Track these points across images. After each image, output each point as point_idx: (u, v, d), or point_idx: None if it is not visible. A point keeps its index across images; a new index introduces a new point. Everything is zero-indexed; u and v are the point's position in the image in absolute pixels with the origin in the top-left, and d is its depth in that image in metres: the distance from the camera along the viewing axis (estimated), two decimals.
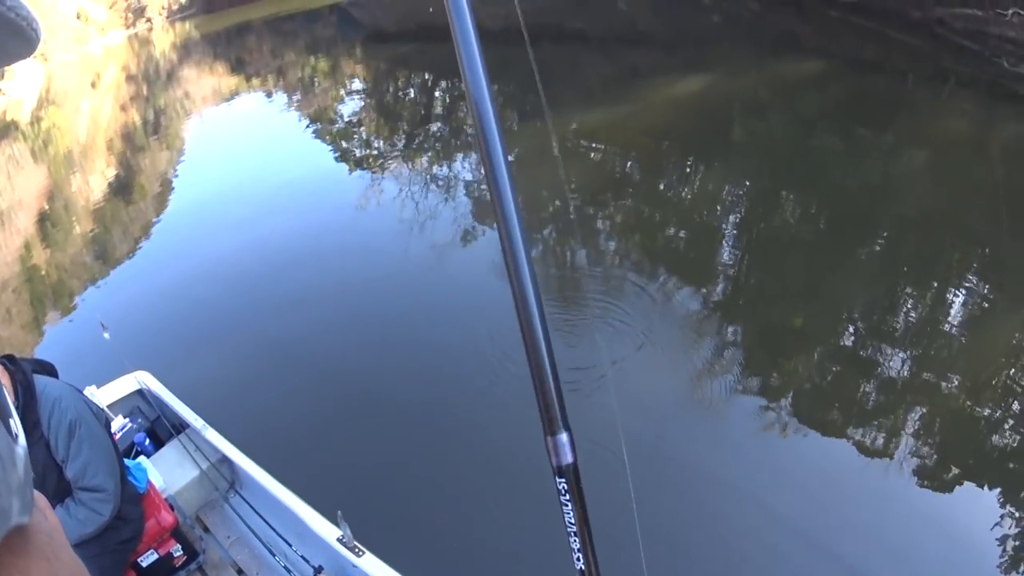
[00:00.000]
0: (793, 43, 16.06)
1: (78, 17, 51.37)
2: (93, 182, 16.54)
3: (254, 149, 14.59)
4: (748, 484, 4.82)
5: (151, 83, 30.28)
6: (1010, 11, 12.39)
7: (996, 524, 4.37)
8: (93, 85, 34.48)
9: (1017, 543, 4.29)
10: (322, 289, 7.45)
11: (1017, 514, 4.48)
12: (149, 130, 20.92)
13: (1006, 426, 5.21)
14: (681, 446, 5.29)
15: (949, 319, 6.56)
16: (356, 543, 3.15)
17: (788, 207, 9.22)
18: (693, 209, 9.65)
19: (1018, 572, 4.16)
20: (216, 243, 9.50)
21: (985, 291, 6.85)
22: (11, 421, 0.43)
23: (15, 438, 0.42)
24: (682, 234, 8.84)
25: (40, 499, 0.52)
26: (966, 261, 7.38)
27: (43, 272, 11.18)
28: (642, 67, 16.08)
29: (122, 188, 15.11)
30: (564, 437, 0.96)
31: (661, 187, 10.44)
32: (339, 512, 3.13)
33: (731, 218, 9.24)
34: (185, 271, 8.93)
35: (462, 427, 5.25)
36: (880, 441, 5.19)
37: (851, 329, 6.55)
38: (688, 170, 10.91)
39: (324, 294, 7.33)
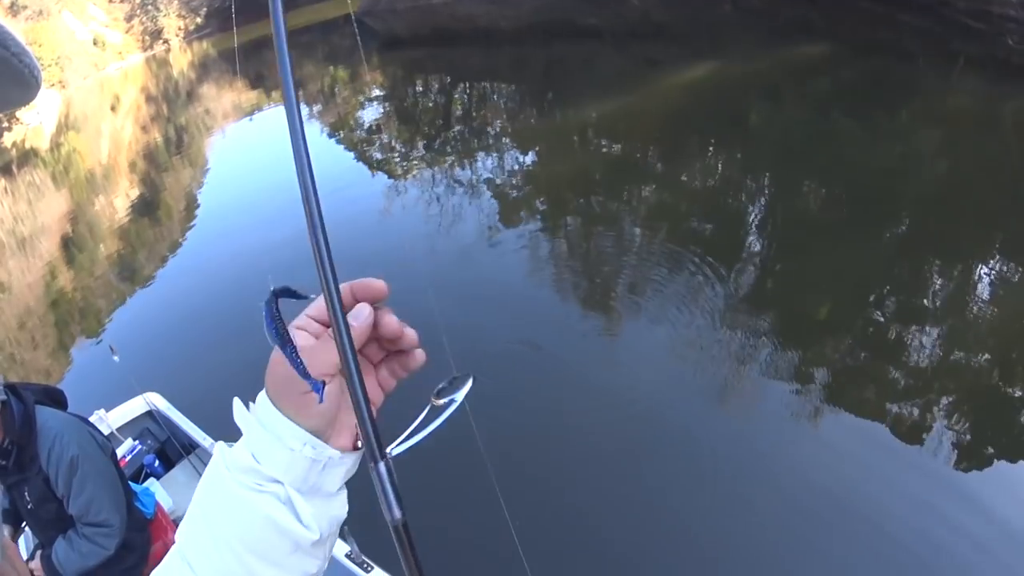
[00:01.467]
0: (804, 28, 16.00)
1: (95, 43, 52.00)
2: (117, 203, 16.57)
3: (276, 162, 14.51)
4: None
5: (171, 102, 30.50)
6: None
7: None
8: (113, 108, 34.80)
9: None
10: None
11: None
12: (172, 149, 20.98)
13: None
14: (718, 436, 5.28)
15: (974, 296, 6.47)
16: (364, 558, 3.17)
17: (805, 190, 9.10)
18: (711, 195, 9.59)
19: None
20: (230, 259, 9.40)
21: (1007, 267, 6.73)
22: None
23: None
24: (701, 220, 8.75)
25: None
26: (986, 236, 7.24)
27: (61, 296, 11.11)
28: (657, 58, 16.00)
29: (146, 207, 15.12)
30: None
31: (679, 174, 10.37)
32: (345, 527, 2.98)
33: (749, 202, 9.19)
34: (197, 289, 8.88)
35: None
36: (912, 420, 5.11)
37: (875, 310, 6.45)
38: (706, 157, 10.85)
39: None
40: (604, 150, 11.63)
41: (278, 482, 0.81)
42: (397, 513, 0.84)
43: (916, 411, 5.16)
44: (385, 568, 3.16)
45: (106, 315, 9.28)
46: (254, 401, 0.83)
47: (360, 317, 0.81)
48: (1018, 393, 5.27)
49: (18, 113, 31.85)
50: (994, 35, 12.62)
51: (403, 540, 0.84)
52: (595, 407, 5.77)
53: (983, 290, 6.50)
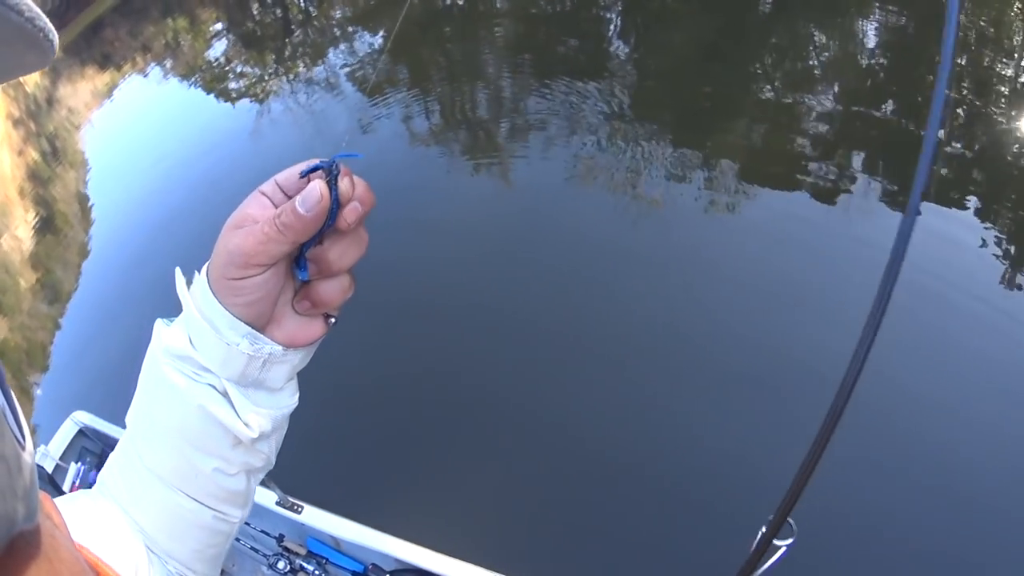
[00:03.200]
0: None
1: None
2: (20, 234, 16.09)
3: (148, 130, 14.12)
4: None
5: (36, 117, 29.09)
6: None
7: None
8: None
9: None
10: None
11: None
12: (50, 160, 20.18)
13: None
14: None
15: (859, 47, 6.38)
16: (292, 500, 3.18)
17: None
18: (563, 15, 9.34)
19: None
20: (129, 255, 9.18)
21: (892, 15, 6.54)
22: (19, 426, 0.42)
23: (22, 444, 0.42)
24: (561, 43, 8.58)
25: (45, 499, 0.53)
26: None
27: None
28: None
29: (45, 228, 14.70)
30: None
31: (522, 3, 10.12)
32: (266, 476, 3.05)
33: (602, 11, 8.98)
34: (104, 294, 8.77)
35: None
36: (826, 181, 5.21)
37: (758, 85, 6.37)
38: None
39: None
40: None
41: (214, 374, 0.76)
42: None
43: (827, 173, 5.26)
44: (315, 505, 3.22)
45: (27, 350, 9.14)
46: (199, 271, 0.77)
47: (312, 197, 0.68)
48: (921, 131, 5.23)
49: None
50: None
51: None
52: (516, 242, 5.86)
53: (867, 40, 6.42)
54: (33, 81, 41.43)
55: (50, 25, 0.45)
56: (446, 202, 6.51)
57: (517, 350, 4.92)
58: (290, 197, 0.71)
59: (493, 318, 5.15)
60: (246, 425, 0.77)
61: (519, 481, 4.26)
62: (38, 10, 0.43)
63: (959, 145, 5.20)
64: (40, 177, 18.87)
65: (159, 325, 0.80)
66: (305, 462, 4.38)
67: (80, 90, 25.90)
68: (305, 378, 0.84)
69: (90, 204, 13.67)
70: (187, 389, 0.75)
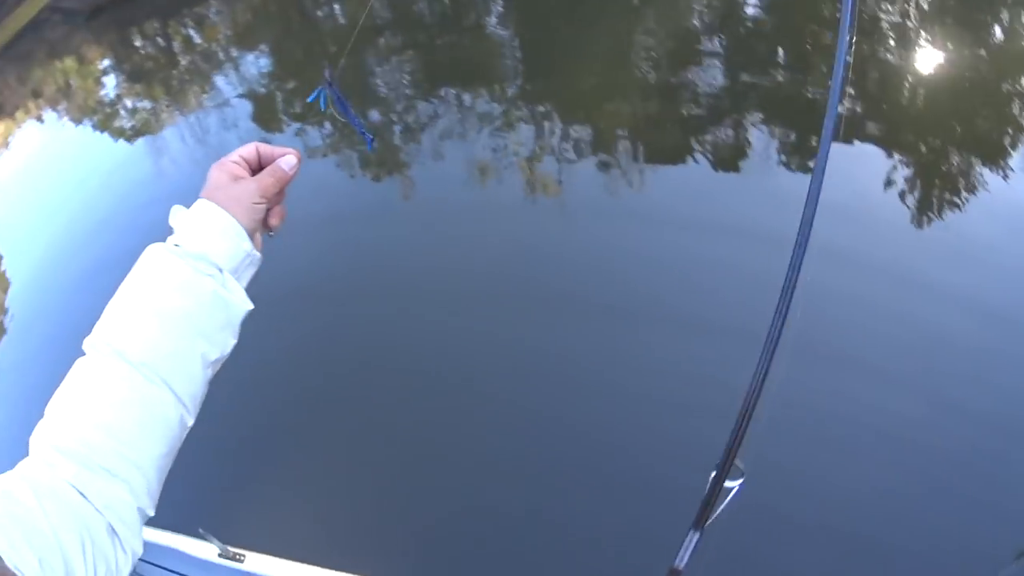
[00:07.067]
0: None
1: None
2: None
3: (50, 177, 13.71)
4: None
5: None
6: None
7: None
8: None
9: None
10: None
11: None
12: None
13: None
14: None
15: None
16: (232, 550, 3.06)
17: None
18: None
19: None
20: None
21: None
22: None
23: None
24: (435, 39, 8.66)
25: None
26: None
27: None
28: None
29: None
30: None
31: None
32: (199, 528, 3.04)
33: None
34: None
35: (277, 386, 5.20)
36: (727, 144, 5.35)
37: (644, 63, 6.48)
38: None
39: None
40: None
41: (219, 269, 1.06)
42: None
43: (727, 135, 5.43)
44: (257, 550, 3.12)
45: None
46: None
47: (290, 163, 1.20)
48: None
49: None
50: None
51: None
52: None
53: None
54: None
55: None
56: (344, 219, 6.57)
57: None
58: (259, 164, 1.21)
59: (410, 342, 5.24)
60: (243, 301, 1.10)
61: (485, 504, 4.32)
62: None
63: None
64: None
65: (155, 247, 1.08)
66: (239, 507, 4.43)
67: None
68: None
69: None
70: (197, 279, 1.03)
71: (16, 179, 16.60)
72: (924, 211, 4.69)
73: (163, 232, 1.11)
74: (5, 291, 11.02)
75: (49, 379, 1.01)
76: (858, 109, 5.24)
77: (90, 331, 1.05)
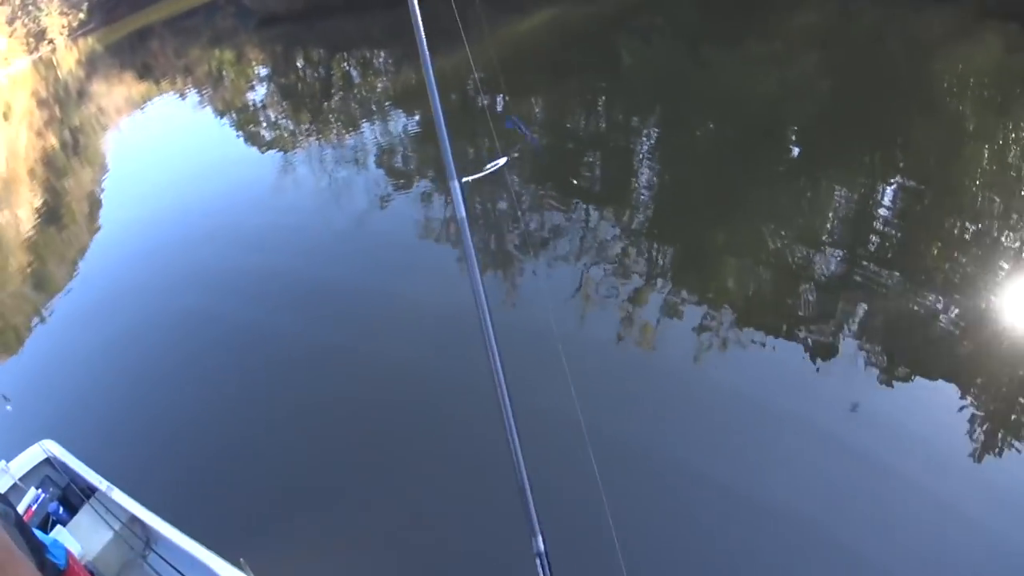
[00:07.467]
0: None
1: None
2: (20, 213, 15.88)
3: (170, 154, 14.13)
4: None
5: (63, 104, 29.09)
6: None
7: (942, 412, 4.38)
8: (5, 116, 33.02)
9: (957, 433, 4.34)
10: (228, 328, 6.98)
11: (967, 403, 4.47)
12: (69, 151, 20.12)
13: (949, 316, 5.14)
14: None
15: (879, 213, 6.37)
16: None
17: (687, 125, 8.97)
18: (592, 137, 9.54)
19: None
20: (126, 287, 8.85)
21: (901, 184, 6.70)
22: None
23: None
24: (586, 164, 8.76)
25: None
26: (876, 155, 7.17)
27: None
28: (524, 7, 15.68)
29: (51, 216, 14.50)
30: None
31: (557, 119, 10.36)
32: (241, 559, 3.11)
33: (632, 143, 9.12)
34: (87, 325, 8.28)
35: (348, 454, 5.08)
36: (821, 341, 5.10)
37: (778, 236, 6.33)
38: (582, 98, 10.77)
39: (229, 335, 6.86)
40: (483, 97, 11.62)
41: None
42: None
43: (823, 332, 5.17)
44: None
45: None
46: None
47: None
48: (927, 309, 5.17)
49: None
50: None
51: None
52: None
53: (878, 209, 6.44)
54: (67, 67, 41.71)
55: None
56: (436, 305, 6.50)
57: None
58: None
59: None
60: None
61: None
62: None
63: None
64: (55, 165, 18.80)
65: None
66: (288, 550, 4.33)
67: (114, 92, 26.12)
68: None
69: (99, 208, 13.56)
70: None
71: (141, 141, 17.26)
72: None
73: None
74: (91, 233, 11.34)
75: None
76: None
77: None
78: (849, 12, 11.04)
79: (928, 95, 8.00)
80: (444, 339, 5.80)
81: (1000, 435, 4.38)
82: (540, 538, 1.70)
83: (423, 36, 2.11)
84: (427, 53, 2.12)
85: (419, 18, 2.10)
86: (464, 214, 1.93)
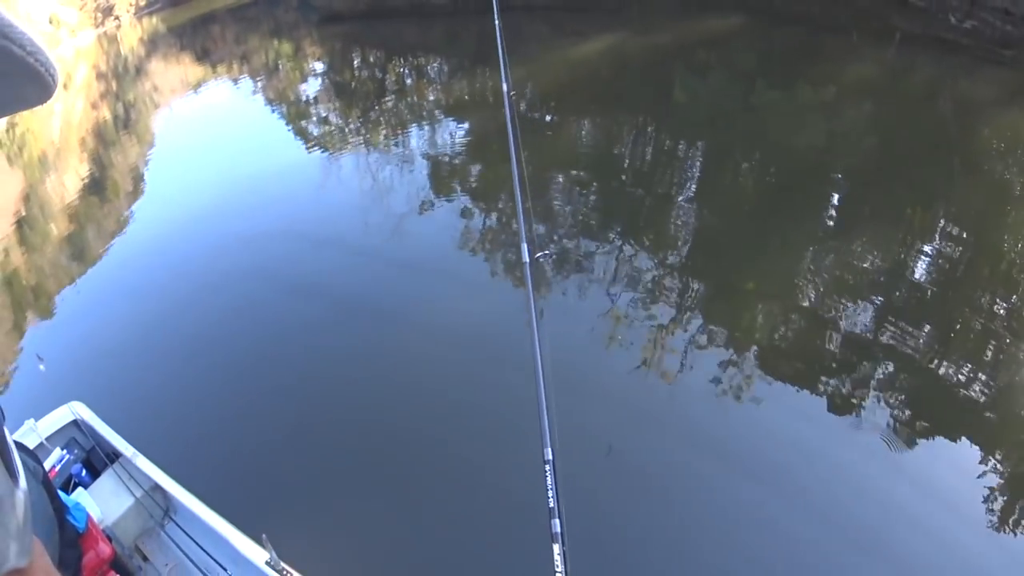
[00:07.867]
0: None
1: (50, 22, 49.89)
2: (67, 181, 16.07)
3: (218, 138, 14.27)
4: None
5: (120, 79, 29.55)
6: None
7: (966, 475, 4.34)
8: (65, 86, 33.64)
9: (980, 496, 4.25)
10: (262, 308, 7.05)
11: (987, 466, 4.43)
12: (120, 125, 20.36)
13: (978, 380, 5.09)
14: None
15: (913, 270, 6.39)
16: (283, 564, 3.11)
17: (733, 166, 8.99)
18: (637, 169, 9.50)
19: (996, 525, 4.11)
20: (162, 261, 8.93)
21: (940, 242, 6.67)
22: (13, 462, 0.45)
23: (16, 480, 0.44)
24: (626, 195, 8.67)
25: (36, 544, 0.55)
26: (917, 210, 7.14)
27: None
28: (582, 30, 15.79)
29: (96, 187, 14.66)
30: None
31: (603, 147, 10.32)
32: (263, 535, 3.07)
33: (676, 179, 9.10)
34: (124, 294, 8.44)
35: (380, 442, 5.11)
36: (846, 394, 5.05)
37: (810, 285, 6.33)
38: (632, 131, 10.72)
39: (263, 314, 6.92)
40: (533, 118, 11.58)
41: None
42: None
43: (849, 385, 5.13)
44: (303, 573, 3.15)
45: (37, 318, 8.87)
46: None
47: None
48: (954, 370, 5.14)
49: None
50: (935, 12, 12.33)
51: None
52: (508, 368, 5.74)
53: (914, 265, 6.44)
54: (130, 44, 42.39)
55: (52, 60, 0.47)
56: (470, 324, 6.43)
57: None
58: None
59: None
60: None
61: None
62: (39, 44, 0.46)
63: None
64: (105, 138, 19.03)
65: None
66: (312, 531, 4.31)
67: (170, 72, 26.43)
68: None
69: (143, 183, 13.68)
70: None
71: (191, 123, 17.44)
72: None
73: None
74: (131, 207, 11.42)
75: None
76: None
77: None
78: (905, 67, 10.95)
79: (974, 158, 8.00)
80: (488, 347, 5.85)
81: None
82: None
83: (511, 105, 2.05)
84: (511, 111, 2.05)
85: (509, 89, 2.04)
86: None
